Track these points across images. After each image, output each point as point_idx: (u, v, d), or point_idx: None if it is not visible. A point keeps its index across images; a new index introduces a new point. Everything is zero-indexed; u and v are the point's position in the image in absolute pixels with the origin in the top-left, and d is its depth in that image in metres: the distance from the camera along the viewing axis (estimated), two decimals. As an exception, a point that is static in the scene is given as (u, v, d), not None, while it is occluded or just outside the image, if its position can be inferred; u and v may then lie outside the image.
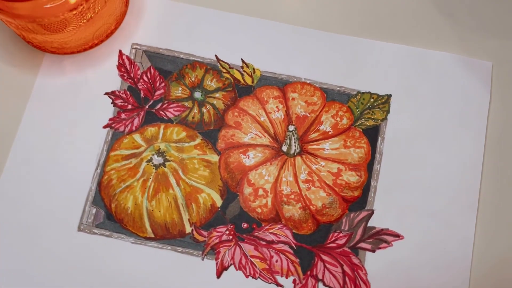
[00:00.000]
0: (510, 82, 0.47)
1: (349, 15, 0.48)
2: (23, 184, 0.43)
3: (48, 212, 0.42)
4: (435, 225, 0.43)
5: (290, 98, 0.46)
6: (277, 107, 0.46)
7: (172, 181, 0.43)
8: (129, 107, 0.46)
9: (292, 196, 0.43)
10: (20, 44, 0.47)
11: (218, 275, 0.41)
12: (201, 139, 0.45)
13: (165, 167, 0.44)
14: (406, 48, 0.47)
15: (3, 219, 0.42)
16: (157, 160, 0.44)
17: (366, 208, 0.43)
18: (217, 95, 0.46)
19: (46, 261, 0.41)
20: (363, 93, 0.46)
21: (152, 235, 0.42)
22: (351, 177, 0.44)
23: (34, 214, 0.42)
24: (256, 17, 0.48)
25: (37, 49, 0.46)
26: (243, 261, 0.42)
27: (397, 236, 0.43)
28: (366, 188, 0.44)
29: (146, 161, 0.44)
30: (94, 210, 0.43)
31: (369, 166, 0.44)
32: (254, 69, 0.47)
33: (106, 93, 0.46)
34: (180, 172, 0.44)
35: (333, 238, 0.42)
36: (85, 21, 0.42)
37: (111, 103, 0.45)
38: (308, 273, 0.42)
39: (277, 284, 0.41)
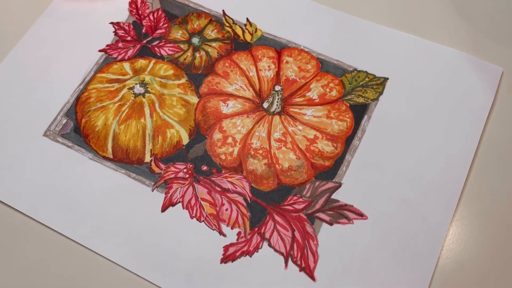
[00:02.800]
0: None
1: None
2: (10, 84, 0.44)
3: (20, 115, 0.43)
4: (406, 213, 0.39)
5: (284, 61, 0.45)
6: (269, 66, 0.45)
7: (147, 111, 0.43)
8: (128, 38, 0.47)
9: (260, 151, 0.41)
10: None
11: (164, 209, 0.39)
12: (186, 80, 0.45)
13: (144, 97, 0.44)
14: (415, 38, 0.45)
15: (-20, 110, 0.43)
16: (139, 89, 0.44)
17: (334, 180, 0.40)
18: (213, 44, 0.46)
19: (6, 160, 0.41)
20: (359, 71, 0.44)
21: (111, 156, 0.42)
22: (326, 147, 0.41)
23: (7, 115, 0.43)
24: (271, -14, 0.49)
25: (62, -25, 0.50)
26: (193, 201, 0.40)
27: (360, 215, 0.39)
28: (339, 161, 0.41)
29: (128, 88, 0.44)
30: (64, 121, 0.43)
31: (348, 140, 0.42)
32: (256, 28, 0.47)
33: (111, 23, 0.47)
34: (156, 105, 0.43)
35: (291, 201, 0.39)
36: None
37: (113, 32, 0.47)
38: (256, 229, 0.38)
39: (220, 232, 0.38)
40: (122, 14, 0.48)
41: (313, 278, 0.37)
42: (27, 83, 0.45)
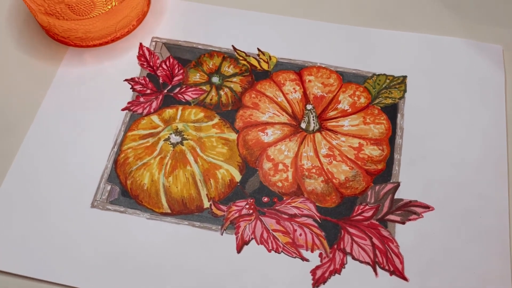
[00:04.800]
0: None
1: (357, 8, 0.50)
2: (38, 162, 0.42)
3: (61, 190, 0.41)
4: (466, 195, 0.40)
5: (307, 80, 0.46)
6: (294, 88, 0.46)
7: (190, 158, 0.42)
8: (148, 91, 0.46)
9: (314, 170, 0.42)
10: (45, 40, 0.49)
11: (239, 249, 0.38)
12: (219, 119, 0.44)
13: (182, 145, 0.43)
14: (416, 35, 0.48)
15: (17, 195, 0.41)
16: (175, 138, 0.43)
17: (391, 181, 0.41)
18: (234, 79, 0.47)
19: (58, 237, 0.39)
20: (378, 75, 0.46)
21: (169, 211, 0.40)
22: (373, 151, 0.43)
23: (47, 192, 0.41)
24: (270, 14, 0.50)
25: (60, 44, 0.48)
26: (265, 235, 0.39)
27: (427, 207, 0.40)
28: (389, 162, 0.42)
29: (164, 140, 0.43)
30: (109, 187, 0.41)
31: (390, 140, 0.43)
32: (270, 56, 0.48)
33: (126, 80, 0.46)
34: (198, 150, 0.43)
35: (359, 211, 0.40)
36: (109, 7, 0.44)
37: (130, 88, 0.46)
38: (335, 246, 0.39)
39: (302, 258, 0.38)
40: (134, 69, 0.47)
41: (405, 278, 0.37)
42: (57, 158, 0.42)
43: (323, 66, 0.47)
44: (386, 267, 0.38)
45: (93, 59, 0.48)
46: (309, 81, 0.46)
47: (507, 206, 0.40)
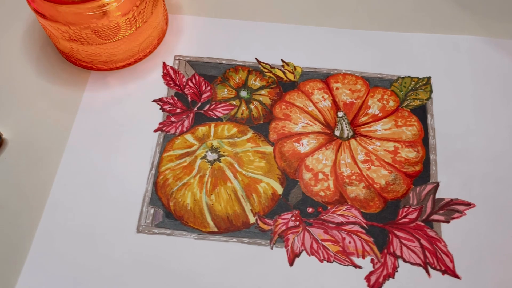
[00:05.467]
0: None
1: (374, 13, 0.51)
2: (75, 192, 0.41)
3: (103, 218, 0.40)
4: (504, 189, 0.41)
5: (334, 88, 0.47)
6: (323, 97, 0.46)
7: (229, 174, 0.42)
8: (178, 110, 0.46)
9: (354, 177, 0.42)
10: (65, 66, 0.48)
11: (291, 262, 0.39)
12: (253, 133, 0.45)
13: (220, 162, 0.43)
14: (434, 36, 0.49)
15: (58, 228, 0.40)
16: (212, 156, 0.43)
17: (430, 181, 0.42)
18: (262, 92, 0.47)
19: (106, 267, 0.38)
20: (403, 77, 0.47)
21: (216, 229, 0.40)
22: (409, 153, 0.43)
23: (89, 220, 0.40)
24: (288, 24, 0.50)
25: (82, 68, 0.48)
26: (315, 245, 0.39)
27: (468, 204, 0.41)
28: (426, 162, 0.43)
29: (201, 158, 0.43)
30: (152, 210, 0.41)
31: (424, 141, 0.44)
32: (294, 66, 0.48)
33: (154, 100, 0.46)
34: (236, 165, 0.43)
35: (404, 214, 0.41)
36: (134, 29, 0.44)
37: (160, 108, 0.46)
38: (385, 251, 0.39)
39: (355, 265, 0.38)
40: (160, 89, 0.47)
41: (457, 276, 0.38)
42: (94, 185, 0.42)
43: (348, 72, 0.48)
44: (438, 267, 0.38)
45: (117, 81, 0.47)
46: (337, 88, 0.47)
47: (544, 196, 0.41)
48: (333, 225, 0.40)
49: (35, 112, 0.46)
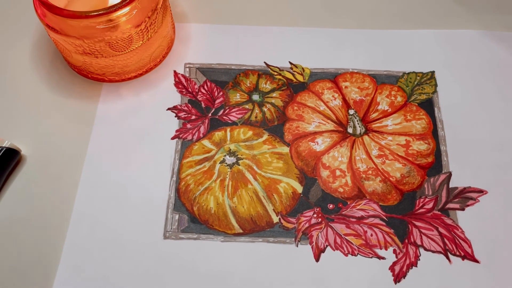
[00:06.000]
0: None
1: (375, 13, 0.53)
2: (99, 202, 0.42)
3: (130, 226, 0.41)
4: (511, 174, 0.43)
5: (343, 87, 0.48)
6: (333, 96, 0.48)
7: (249, 176, 0.43)
8: (193, 117, 0.47)
9: (370, 172, 0.43)
10: (77, 79, 0.49)
11: (317, 258, 0.40)
12: (268, 135, 0.46)
13: (239, 165, 0.44)
14: (434, 31, 0.51)
15: (85, 240, 0.40)
16: (230, 160, 0.44)
17: (443, 171, 0.44)
18: (274, 94, 0.48)
19: (137, 274, 0.39)
20: (408, 73, 0.49)
21: (241, 231, 0.41)
22: (421, 146, 0.45)
23: (116, 230, 0.41)
24: (293, 27, 0.52)
25: (95, 81, 0.48)
26: (338, 240, 0.40)
27: (480, 191, 0.43)
28: (437, 154, 0.44)
29: (219, 163, 0.44)
30: (176, 216, 0.42)
31: (434, 133, 0.46)
32: (303, 68, 0.49)
33: (169, 108, 0.47)
34: (254, 167, 0.44)
35: (421, 204, 0.42)
36: (146, 40, 0.45)
37: (175, 116, 0.46)
38: (406, 241, 0.40)
39: (379, 257, 0.40)
40: (173, 97, 0.48)
41: (476, 261, 0.40)
42: (117, 196, 0.42)
43: (355, 71, 0.49)
44: (457, 253, 0.40)
45: (130, 92, 0.48)
46: (346, 87, 0.48)
47: (552, 179, 0.43)
48: (354, 220, 0.42)
49: (52, 127, 0.46)
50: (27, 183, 0.43)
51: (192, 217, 0.42)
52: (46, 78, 0.49)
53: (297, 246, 0.40)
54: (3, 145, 0.43)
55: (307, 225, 0.41)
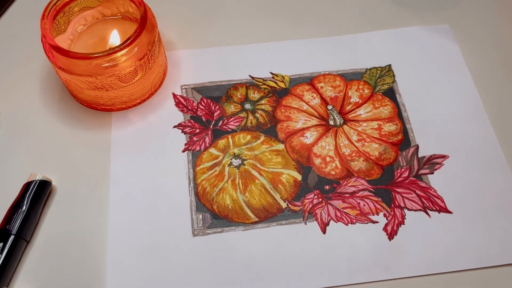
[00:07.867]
0: (466, 38, 0.61)
1: (335, 23, 0.62)
2: (130, 216, 0.48)
3: (162, 231, 0.47)
4: (465, 139, 0.53)
5: (319, 87, 0.57)
6: (312, 96, 0.56)
7: (255, 173, 0.51)
8: (197, 131, 0.53)
9: (354, 154, 0.52)
10: (87, 112, 0.54)
11: (324, 231, 0.48)
12: (265, 136, 0.53)
13: (244, 165, 0.51)
14: (385, 31, 0.61)
15: (126, 251, 0.46)
16: (236, 162, 0.51)
17: (412, 145, 0.53)
18: (262, 101, 0.56)
19: (177, 271, 0.46)
20: (370, 69, 0.58)
21: (257, 219, 0.48)
22: (390, 127, 0.54)
23: (150, 237, 0.47)
24: (270, 42, 0.60)
25: (104, 111, 0.54)
26: (338, 214, 0.49)
27: (443, 157, 0.52)
28: (405, 131, 0.54)
29: (228, 166, 0.51)
30: (200, 216, 0.48)
31: (399, 115, 0.55)
32: (283, 76, 0.57)
33: (175, 126, 0.54)
34: (258, 165, 0.51)
35: (399, 174, 0.51)
36: (148, 69, 0.51)
37: (181, 132, 0.53)
38: (392, 205, 0.49)
39: (373, 222, 0.48)
40: (177, 115, 0.54)
41: (450, 212, 0.49)
42: (146, 207, 0.48)
43: (327, 73, 0.58)
44: (434, 208, 0.49)
45: (137, 116, 0.54)
46: (321, 87, 0.56)
47: (494, 136, 0.53)
48: (348, 195, 0.50)
49: (74, 157, 0.52)
50: (63, 209, 0.49)
51: (213, 214, 0.49)
52: (58, 114, 0.54)
53: (305, 224, 0.48)
54: (36, 178, 0.48)
55: (310, 205, 0.49)
